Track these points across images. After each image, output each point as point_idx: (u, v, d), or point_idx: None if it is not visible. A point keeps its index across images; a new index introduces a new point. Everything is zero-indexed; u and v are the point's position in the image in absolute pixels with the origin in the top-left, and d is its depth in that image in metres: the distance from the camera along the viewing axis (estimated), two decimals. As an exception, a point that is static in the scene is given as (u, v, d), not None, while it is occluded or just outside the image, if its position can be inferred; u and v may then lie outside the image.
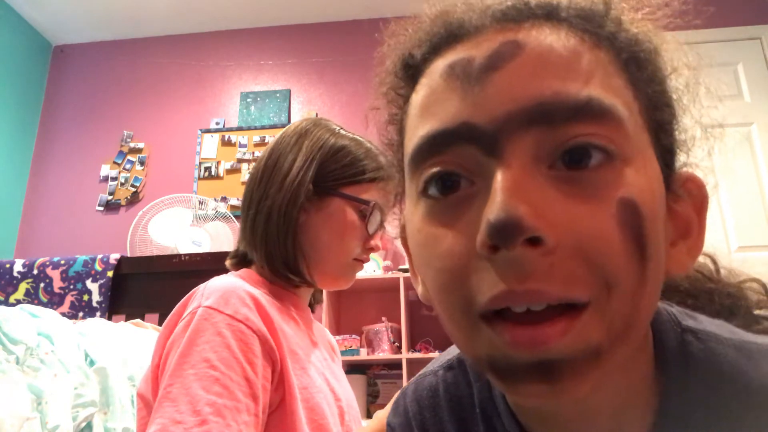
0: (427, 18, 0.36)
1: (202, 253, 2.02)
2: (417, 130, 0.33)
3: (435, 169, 0.32)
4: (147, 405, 0.68)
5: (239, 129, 3.19)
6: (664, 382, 0.35)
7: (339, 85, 3.23)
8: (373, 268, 2.59)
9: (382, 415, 0.58)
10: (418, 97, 0.35)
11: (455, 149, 0.31)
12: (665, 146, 0.35)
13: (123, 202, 3.13)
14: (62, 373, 0.91)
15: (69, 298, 1.99)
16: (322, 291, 0.93)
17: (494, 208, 0.28)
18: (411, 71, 0.37)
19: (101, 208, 3.14)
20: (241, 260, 0.82)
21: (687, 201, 0.36)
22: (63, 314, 1.22)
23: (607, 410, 0.35)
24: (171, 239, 2.60)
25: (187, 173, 3.14)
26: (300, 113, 3.21)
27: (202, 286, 0.70)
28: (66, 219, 3.14)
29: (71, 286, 2.00)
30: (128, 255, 2.50)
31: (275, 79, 3.29)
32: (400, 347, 2.45)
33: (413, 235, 0.35)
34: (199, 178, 3.11)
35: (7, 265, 2.02)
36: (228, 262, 0.83)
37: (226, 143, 3.17)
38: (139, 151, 3.23)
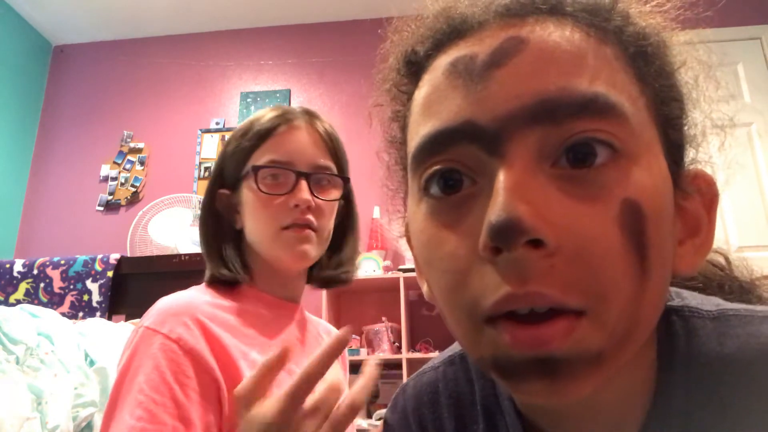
0: (430, 14, 0.35)
1: (202, 254, 2.02)
2: (419, 129, 0.33)
3: (437, 167, 0.31)
4: None
5: (239, 129, 3.18)
6: (658, 370, 0.35)
7: (339, 85, 3.23)
8: (373, 268, 2.59)
9: None
10: (420, 94, 0.34)
11: (457, 148, 0.31)
12: (674, 142, 0.34)
13: (123, 202, 3.13)
14: (62, 373, 0.91)
15: (69, 298, 1.99)
16: (328, 282, 0.86)
17: (496, 209, 0.27)
18: (414, 68, 0.36)
19: (101, 208, 3.14)
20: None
21: (696, 198, 0.35)
22: (63, 314, 1.22)
23: (611, 407, 0.35)
24: (171, 239, 2.60)
25: (187, 173, 3.14)
26: (300, 113, 3.20)
27: (158, 301, 0.70)
28: (66, 219, 3.14)
29: (71, 286, 2.00)
30: (128, 255, 2.50)
31: (275, 79, 3.29)
32: (400, 347, 2.45)
33: (417, 235, 0.34)
34: (199, 178, 3.11)
35: (7, 265, 2.02)
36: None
37: (226, 143, 3.17)
38: (139, 151, 3.23)
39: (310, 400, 0.43)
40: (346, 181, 0.83)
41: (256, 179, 0.74)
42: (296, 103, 3.21)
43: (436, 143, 0.31)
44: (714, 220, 0.35)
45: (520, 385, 0.30)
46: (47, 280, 2.00)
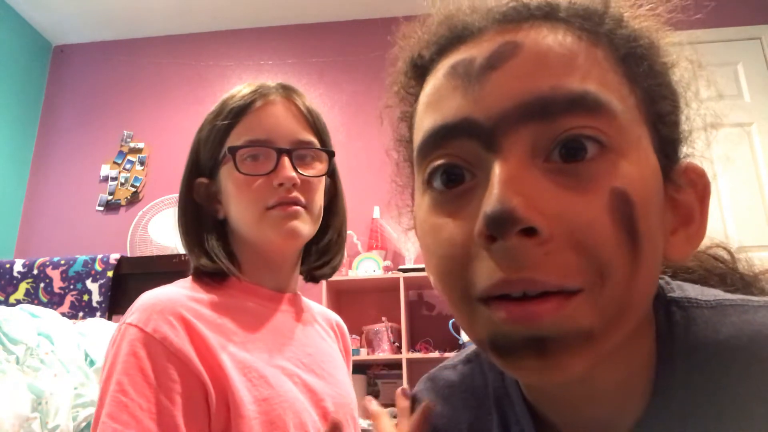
0: (434, 21, 0.38)
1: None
2: (423, 124, 0.35)
3: (439, 162, 0.34)
4: None
5: (239, 129, 3.18)
6: (657, 359, 0.36)
7: (339, 85, 3.23)
8: (373, 268, 2.59)
9: None
10: (424, 94, 0.36)
11: (457, 143, 0.33)
12: (664, 137, 0.35)
13: (123, 202, 3.13)
14: (62, 373, 0.91)
15: (69, 298, 1.99)
16: (319, 267, 0.83)
17: (491, 200, 0.29)
18: (419, 71, 0.39)
19: (101, 208, 3.14)
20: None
21: (688, 190, 0.37)
22: (63, 314, 1.22)
23: (611, 393, 0.36)
24: (171, 239, 2.60)
25: (187, 173, 3.14)
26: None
27: (141, 296, 0.67)
28: (66, 219, 3.14)
29: (71, 286, 2.00)
30: (128, 255, 2.50)
31: (275, 79, 3.26)
32: (400, 347, 2.45)
33: (420, 225, 0.36)
34: (199, 178, 3.12)
35: (7, 265, 2.02)
36: None
37: (226, 143, 3.17)
38: (139, 151, 3.23)
39: None
40: (331, 155, 0.78)
41: (235, 161, 0.70)
42: (296, 103, 3.21)
43: (438, 137, 0.34)
44: (706, 211, 0.37)
45: (515, 363, 0.31)
46: (47, 280, 2.00)
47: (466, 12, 0.36)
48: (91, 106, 3.36)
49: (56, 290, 1.99)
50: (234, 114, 0.71)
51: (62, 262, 2.04)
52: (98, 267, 2.02)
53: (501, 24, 0.34)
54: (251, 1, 3.20)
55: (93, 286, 1.98)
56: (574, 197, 0.30)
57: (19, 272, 2.01)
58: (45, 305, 1.51)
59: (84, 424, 0.93)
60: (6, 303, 1.95)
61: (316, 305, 0.88)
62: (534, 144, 0.31)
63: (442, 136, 0.33)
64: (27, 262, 2.03)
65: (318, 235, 0.78)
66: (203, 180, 0.76)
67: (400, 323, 2.45)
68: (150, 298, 0.66)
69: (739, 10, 3.06)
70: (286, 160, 0.70)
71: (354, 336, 2.47)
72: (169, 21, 3.34)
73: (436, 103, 0.34)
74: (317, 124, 0.77)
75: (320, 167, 0.76)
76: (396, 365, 2.48)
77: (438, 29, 0.38)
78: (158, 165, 3.21)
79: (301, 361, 0.73)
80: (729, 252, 0.49)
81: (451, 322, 2.49)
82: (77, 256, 2.08)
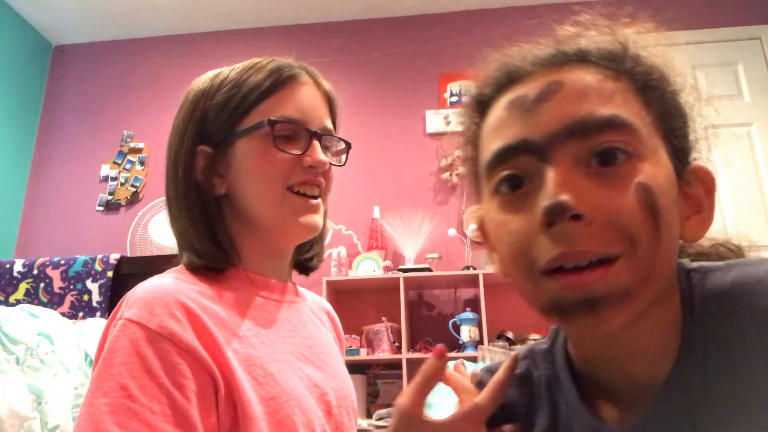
0: (491, 66, 0.49)
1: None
2: (490, 146, 0.46)
3: (504, 173, 0.44)
4: None
5: (239, 129, 3.19)
6: (683, 320, 0.45)
7: (339, 85, 3.21)
8: (373, 268, 2.59)
9: None
10: (488, 123, 0.48)
11: (517, 158, 0.44)
12: (676, 146, 0.46)
13: (123, 202, 3.13)
14: (62, 373, 0.91)
15: (69, 298, 1.99)
16: (312, 257, 0.80)
17: (547, 195, 0.40)
18: (482, 106, 0.49)
19: (101, 208, 3.14)
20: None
21: (698, 185, 0.47)
22: (63, 314, 1.22)
23: (646, 349, 0.45)
24: (171, 239, 2.60)
25: (187, 173, 3.15)
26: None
27: (131, 290, 0.60)
28: (66, 219, 3.14)
29: (71, 286, 2.00)
30: (128, 255, 2.50)
31: (275, 79, 3.29)
32: (400, 347, 2.45)
33: (490, 222, 0.47)
34: (199, 178, 3.12)
35: (7, 265, 2.02)
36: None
37: (226, 143, 3.17)
38: (139, 151, 3.23)
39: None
40: (349, 147, 0.77)
41: (273, 134, 0.66)
42: (296, 103, 3.21)
43: (503, 155, 0.44)
44: (713, 201, 0.47)
45: (573, 320, 0.42)
46: (47, 280, 2.00)
47: (518, 59, 0.47)
48: (91, 106, 3.36)
49: (56, 290, 1.99)
50: (268, 87, 0.69)
51: (62, 262, 2.04)
52: (98, 267, 2.02)
53: (546, 67, 0.45)
54: (251, 1, 3.20)
55: (93, 286, 1.99)
56: (608, 191, 0.40)
57: (19, 272, 2.01)
58: (45, 305, 1.51)
59: (84, 424, 0.93)
60: (6, 303, 1.95)
61: (309, 293, 0.84)
62: (576, 155, 0.42)
63: (506, 154, 0.44)
64: (27, 262, 2.03)
65: None
66: (205, 148, 0.69)
67: (400, 323, 2.45)
68: (149, 290, 0.59)
69: (739, 10, 3.06)
70: (316, 143, 0.69)
71: (354, 336, 2.47)
72: (168, 21, 3.34)
73: (499, 129, 0.46)
74: (336, 112, 0.77)
75: (341, 157, 0.76)
76: (396, 365, 2.48)
77: (496, 73, 0.48)
78: (158, 165, 3.21)
79: (302, 354, 0.70)
80: (738, 246, 0.58)
81: (451, 322, 2.49)
82: (77, 256, 2.08)
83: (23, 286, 1.99)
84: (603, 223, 0.40)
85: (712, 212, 0.47)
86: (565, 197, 0.39)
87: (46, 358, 0.90)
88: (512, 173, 0.44)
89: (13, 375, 0.82)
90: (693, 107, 0.48)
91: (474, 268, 2.52)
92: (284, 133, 0.67)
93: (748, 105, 2.92)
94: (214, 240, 0.66)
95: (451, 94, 3.09)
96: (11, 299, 1.95)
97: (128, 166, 3.20)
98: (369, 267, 2.59)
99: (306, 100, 0.71)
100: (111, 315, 0.61)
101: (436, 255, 2.67)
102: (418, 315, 2.75)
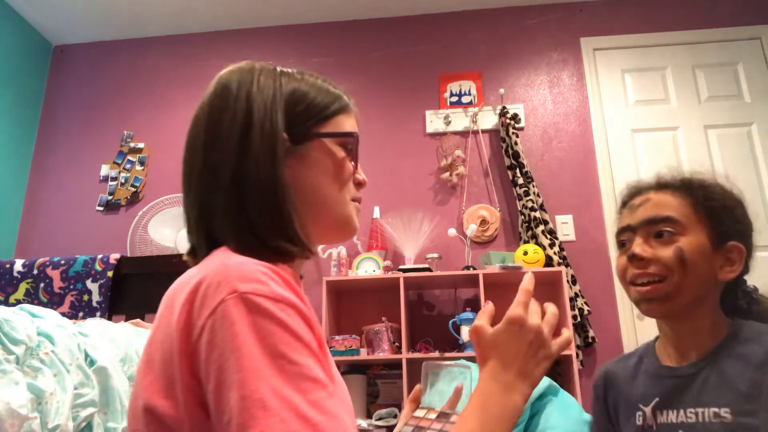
0: (621, 196, 0.99)
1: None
2: (619, 224, 0.95)
3: (621, 239, 0.94)
4: (160, 420, 0.54)
5: (239, 129, 3.18)
6: (729, 324, 0.88)
7: (339, 85, 3.23)
8: (373, 268, 2.59)
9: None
10: (620, 214, 0.97)
11: (626, 232, 0.92)
12: (718, 232, 0.87)
13: (123, 202, 3.13)
14: (62, 373, 0.91)
15: (69, 298, 1.99)
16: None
17: (632, 250, 0.89)
18: (622, 205, 0.97)
19: (101, 208, 3.14)
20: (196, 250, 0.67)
21: (734, 252, 0.87)
22: (63, 314, 1.22)
23: (692, 336, 0.88)
24: (171, 239, 2.60)
25: (187, 173, 3.14)
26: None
27: (203, 276, 0.55)
28: (66, 219, 3.14)
29: (71, 286, 2.00)
30: (128, 255, 2.50)
31: (275, 79, 3.29)
32: (400, 347, 2.45)
33: (616, 263, 0.95)
34: (199, 178, 3.11)
35: (7, 265, 2.02)
36: (187, 258, 0.69)
37: (226, 143, 3.17)
38: (139, 151, 3.24)
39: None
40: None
41: (356, 146, 0.73)
42: (296, 103, 3.21)
43: (619, 231, 0.94)
44: (742, 262, 0.87)
45: (641, 307, 0.88)
46: (47, 280, 2.00)
47: (637, 183, 0.97)
48: (91, 106, 3.37)
49: (56, 290, 1.99)
50: (345, 104, 0.76)
51: (62, 262, 2.04)
52: (98, 267, 2.02)
53: (647, 190, 0.93)
54: (251, 1, 3.20)
55: (93, 286, 1.99)
56: (659, 250, 0.87)
57: (19, 272, 2.01)
58: (45, 305, 1.51)
59: (84, 424, 0.93)
60: (6, 303, 1.95)
61: None
62: (647, 233, 0.89)
63: (621, 231, 0.94)
64: (27, 262, 2.03)
65: None
66: (285, 136, 0.68)
67: (400, 323, 2.45)
68: (252, 267, 0.55)
69: (739, 10, 3.06)
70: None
71: (354, 336, 2.47)
72: (169, 21, 3.35)
73: (622, 218, 0.95)
74: None
75: None
76: (396, 365, 2.48)
77: (625, 191, 0.98)
78: (158, 165, 3.21)
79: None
80: None
81: (451, 322, 2.50)
82: (77, 256, 2.08)
83: (23, 286, 1.99)
84: (654, 263, 0.86)
85: (740, 268, 0.87)
86: (638, 251, 0.87)
87: (46, 358, 0.90)
88: (623, 239, 0.93)
89: (13, 375, 0.82)
90: (744, 215, 0.91)
91: (474, 268, 2.52)
92: (350, 147, 0.73)
93: (748, 105, 2.92)
94: (290, 233, 0.64)
95: (451, 94, 3.09)
96: (11, 299, 1.95)
97: (128, 166, 3.20)
98: (369, 267, 2.59)
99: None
100: (178, 307, 0.55)
101: (436, 255, 2.67)
102: (418, 315, 2.75)
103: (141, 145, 3.24)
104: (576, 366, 2.29)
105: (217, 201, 0.64)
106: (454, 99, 3.09)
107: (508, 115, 2.90)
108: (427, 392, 0.75)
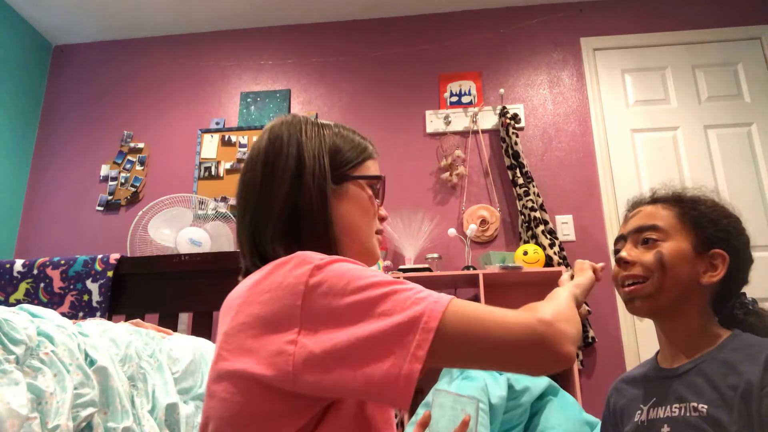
0: (626, 216, 1.06)
1: (202, 254, 2.02)
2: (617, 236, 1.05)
3: (616, 248, 1.03)
4: (255, 381, 0.63)
5: (239, 129, 3.19)
6: (726, 333, 0.93)
7: (339, 85, 3.23)
8: (373, 268, 2.58)
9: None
10: (621, 225, 1.07)
11: (620, 241, 1.02)
12: (698, 241, 0.94)
13: (123, 202, 3.13)
14: (62, 373, 0.91)
15: (69, 298, 1.99)
16: None
17: (620, 254, 0.98)
18: (625, 218, 1.06)
19: (101, 208, 3.14)
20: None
21: (718, 259, 0.93)
22: (63, 314, 1.22)
23: (682, 335, 0.94)
24: (171, 239, 2.60)
25: (187, 173, 3.15)
26: (300, 113, 3.20)
27: (282, 261, 0.68)
28: (66, 219, 3.14)
29: (71, 286, 2.00)
30: (128, 255, 2.50)
31: (275, 79, 3.29)
32: (400, 347, 2.44)
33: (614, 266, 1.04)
34: (199, 178, 3.11)
35: (7, 265, 2.02)
36: (241, 279, 0.80)
37: (226, 143, 3.17)
38: (139, 151, 3.24)
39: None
40: None
41: (382, 186, 0.87)
42: (296, 103, 3.22)
43: (616, 241, 1.04)
44: (724, 268, 0.92)
45: (628, 306, 0.97)
46: (47, 280, 2.00)
47: (634, 199, 1.07)
48: (91, 106, 3.37)
49: (56, 290, 1.99)
50: (371, 152, 0.88)
51: (62, 262, 2.04)
52: (98, 267, 2.02)
53: (642, 204, 1.03)
54: (251, 1, 3.20)
55: (93, 286, 1.99)
56: (645, 254, 0.95)
57: (19, 272, 2.01)
58: (45, 305, 1.51)
59: (84, 424, 0.93)
60: (6, 303, 1.95)
61: None
62: (636, 240, 0.98)
63: (617, 241, 1.03)
64: (27, 262, 2.03)
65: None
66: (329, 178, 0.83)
67: (400, 323, 2.45)
68: (300, 253, 0.69)
69: (739, 10, 3.06)
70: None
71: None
72: (169, 21, 3.35)
73: (620, 230, 1.04)
74: None
75: None
76: (396, 365, 2.47)
77: (629, 206, 1.07)
78: (158, 165, 3.21)
79: None
80: None
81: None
82: (77, 256, 2.08)
83: (23, 286, 1.99)
84: (638, 266, 0.94)
85: (722, 274, 0.92)
86: (623, 254, 0.97)
87: (46, 358, 0.90)
88: (618, 248, 1.01)
89: (13, 375, 0.82)
90: (730, 225, 0.96)
91: (474, 268, 2.52)
92: (377, 187, 0.87)
93: (748, 105, 2.92)
94: (332, 253, 0.76)
95: (451, 94, 3.09)
96: (11, 299, 1.95)
97: (128, 166, 3.20)
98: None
99: None
100: (267, 283, 0.67)
101: (436, 255, 2.67)
102: (418, 315, 2.74)
103: (141, 145, 3.24)
104: (576, 366, 2.29)
105: (271, 229, 0.77)
106: (454, 99, 3.09)
107: (508, 115, 2.90)
108: (434, 420, 0.84)
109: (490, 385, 1.46)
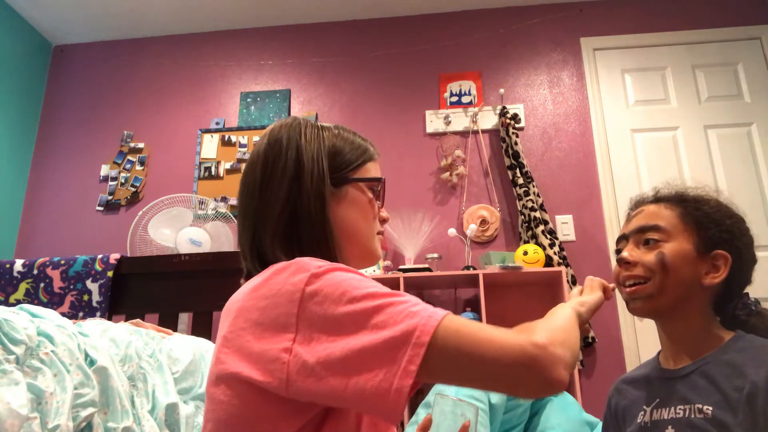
0: (629, 215, 1.04)
1: (202, 254, 2.02)
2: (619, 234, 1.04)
3: (618, 248, 1.01)
4: (250, 384, 0.63)
5: (239, 129, 3.19)
6: (730, 334, 0.92)
7: (339, 85, 3.23)
8: (373, 268, 2.59)
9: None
10: (623, 223, 1.05)
11: (622, 241, 1.00)
12: (704, 239, 0.92)
13: (123, 202, 3.13)
14: (62, 373, 0.91)
15: (69, 298, 1.99)
16: None
17: (622, 254, 0.97)
18: (628, 215, 1.05)
19: (101, 208, 3.14)
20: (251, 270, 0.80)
21: (720, 260, 0.91)
22: (63, 314, 1.22)
23: (683, 337, 0.94)
24: (171, 239, 2.60)
25: (187, 173, 3.15)
26: (300, 113, 3.21)
27: (280, 267, 0.68)
28: (66, 219, 3.14)
29: (71, 286, 2.00)
30: (128, 255, 2.50)
31: (275, 79, 3.29)
32: (400, 347, 2.44)
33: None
34: (199, 178, 3.11)
35: (7, 265, 2.02)
36: (244, 281, 0.80)
37: (226, 143, 3.17)
38: (139, 151, 3.23)
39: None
40: None
41: (382, 189, 0.87)
42: (296, 103, 3.21)
43: (617, 240, 1.02)
44: (726, 271, 0.91)
45: (629, 306, 0.96)
46: (47, 280, 2.00)
47: (636, 198, 1.05)
48: (91, 106, 3.37)
49: (56, 290, 1.99)
50: (372, 154, 0.87)
51: (62, 262, 2.04)
52: (98, 267, 2.02)
53: (645, 203, 1.01)
54: (251, 1, 3.20)
55: (93, 286, 1.99)
56: (645, 254, 0.94)
57: (19, 272, 2.01)
58: (45, 305, 1.51)
59: (84, 424, 0.93)
60: (6, 303, 1.95)
61: None
62: (637, 240, 0.97)
63: (619, 240, 1.01)
64: (27, 262, 2.03)
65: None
66: (328, 181, 0.83)
67: (400, 323, 2.45)
68: (299, 259, 0.69)
69: (739, 10, 3.06)
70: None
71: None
72: (169, 21, 3.35)
73: (621, 229, 1.03)
74: None
75: None
76: (396, 365, 2.47)
77: (631, 205, 1.05)
78: (158, 165, 3.21)
79: None
80: None
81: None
82: (77, 256, 2.08)
83: (23, 286, 1.99)
84: (640, 266, 0.94)
85: (724, 275, 0.90)
86: (625, 255, 0.95)
87: (46, 358, 0.90)
88: (620, 248, 0.99)
89: (13, 375, 0.82)
90: (733, 225, 0.94)
91: (474, 268, 2.52)
92: (378, 189, 0.87)
93: (748, 105, 2.92)
94: (331, 256, 0.78)
95: (451, 94, 3.09)
96: (11, 299, 1.95)
97: (128, 166, 3.20)
98: (369, 267, 2.59)
99: None
100: (270, 286, 0.67)
101: (436, 255, 2.67)
102: (418, 315, 2.74)
103: (141, 145, 3.24)
104: (576, 366, 2.29)
105: (270, 232, 0.77)
106: (454, 99, 3.09)
107: (508, 115, 2.90)
108: (435, 425, 0.87)
109: (490, 385, 1.46)
